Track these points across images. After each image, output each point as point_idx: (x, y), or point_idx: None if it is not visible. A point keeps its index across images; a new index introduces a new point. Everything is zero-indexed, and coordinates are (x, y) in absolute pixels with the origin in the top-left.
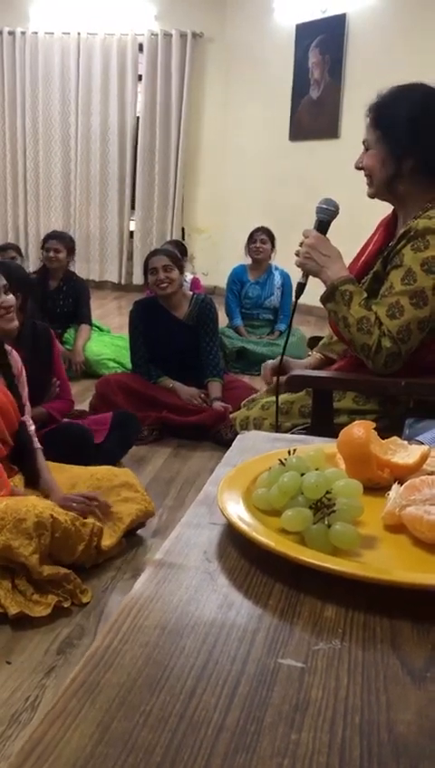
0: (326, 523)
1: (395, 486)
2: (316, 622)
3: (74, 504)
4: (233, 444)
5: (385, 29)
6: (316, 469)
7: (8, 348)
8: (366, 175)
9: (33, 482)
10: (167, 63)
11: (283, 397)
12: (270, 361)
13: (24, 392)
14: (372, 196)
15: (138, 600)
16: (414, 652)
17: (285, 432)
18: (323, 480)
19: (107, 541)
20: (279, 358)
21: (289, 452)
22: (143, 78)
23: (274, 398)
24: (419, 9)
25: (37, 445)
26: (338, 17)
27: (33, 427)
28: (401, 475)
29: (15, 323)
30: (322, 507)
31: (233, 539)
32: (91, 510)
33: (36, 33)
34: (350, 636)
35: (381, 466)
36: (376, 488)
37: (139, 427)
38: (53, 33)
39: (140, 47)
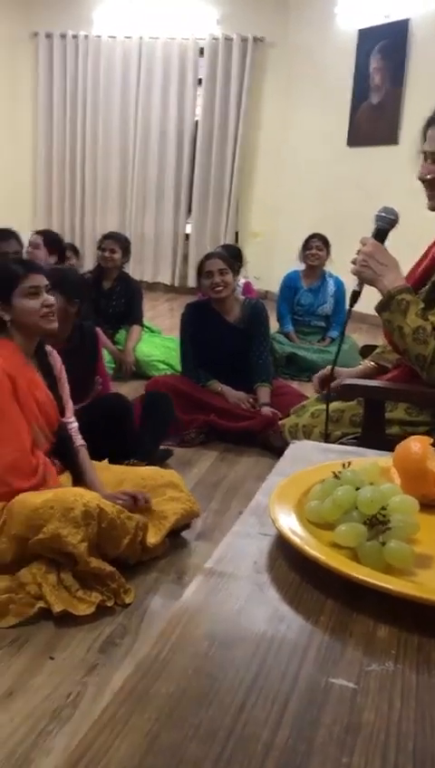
0: (381, 540)
1: None
2: (369, 642)
3: (119, 502)
4: (285, 452)
5: None
6: (371, 484)
7: (48, 348)
8: (429, 187)
9: (79, 479)
10: (227, 68)
11: (333, 405)
12: (321, 371)
13: (65, 392)
14: (433, 208)
15: (187, 609)
16: None
17: (335, 441)
18: (378, 495)
19: (152, 538)
20: (330, 367)
21: (344, 465)
22: (203, 82)
23: (323, 406)
24: None
25: (81, 442)
26: (401, 23)
27: (75, 425)
28: None
29: (56, 324)
30: (376, 523)
31: (284, 550)
32: (135, 508)
33: (99, 36)
34: (403, 658)
35: None
36: (433, 505)
37: (171, 406)
38: (115, 37)
39: (201, 51)
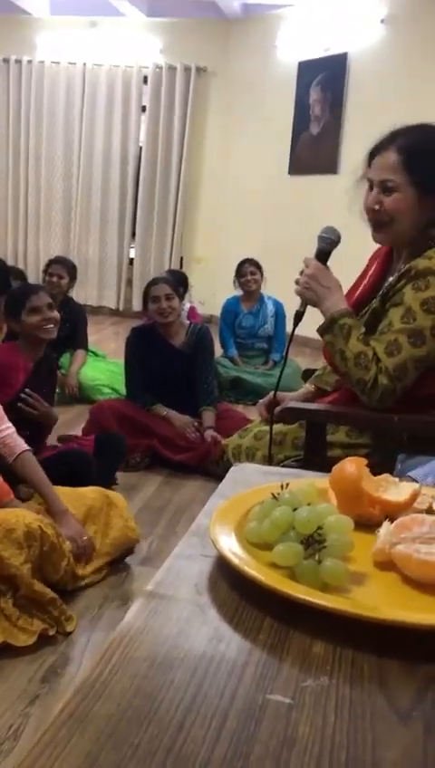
0: (317, 558)
1: (386, 524)
2: (305, 658)
3: (68, 539)
4: (227, 476)
5: (385, 69)
6: (308, 504)
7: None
8: (380, 219)
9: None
10: (170, 96)
11: (276, 427)
12: (265, 398)
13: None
14: (382, 242)
15: (128, 632)
16: (401, 690)
17: (278, 463)
18: (314, 515)
19: (87, 568)
20: (272, 393)
21: (282, 486)
22: (147, 109)
23: (267, 428)
24: (418, 50)
25: (22, 448)
26: (340, 56)
27: (9, 431)
28: (392, 512)
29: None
30: (313, 542)
31: (224, 572)
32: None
33: (43, 62)
34: (338, 673)
35: (372, 503)
36: (367, 524)
37: (124, 448)
38: (59, 63)
39: (145, 79)
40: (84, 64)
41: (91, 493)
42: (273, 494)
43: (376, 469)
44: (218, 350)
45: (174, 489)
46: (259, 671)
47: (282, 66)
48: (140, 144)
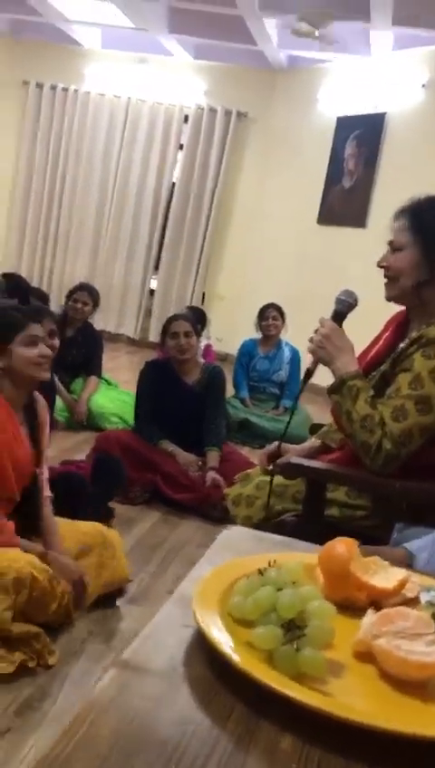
0: (295, 646)
1: (370, 612)
2: (271, 754)
3: (64, 576)
4: (217, 538)
5: (422, 132)
6: (294, 583)
7: (36, 395)
8: (389, 276)
9: (35, 528)
10: (209, 137)
11: (278, 478)
12: (268, 447)
13: (45, 440)
14: (389, 298)
15: (95, 706)
16: None
17: (276, 515)
18: (297, 600)
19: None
20: (277, 443)
21: (269, 563)
22: (184, 147)
23: (268, 478)
24: None
25: (47, 493)
26: (378, 115)
27: (46, 475)
28: (379, 598)
29: (48, 374)
30: (293, 628)
31: (202, 645)
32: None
33: (89, 92)
34: None
35: (359, 587)
36: (352, 608)
37: (123, 473)
38: (104, 95)
39: (186, 118)
40: (129, 98)
41: (87, 527)
42: (259, 570)
43: (372, 532)
44: (230, 390)
45: (171, 528)
46: (223, 763)
47: (321, 118)
48: (174, 180)
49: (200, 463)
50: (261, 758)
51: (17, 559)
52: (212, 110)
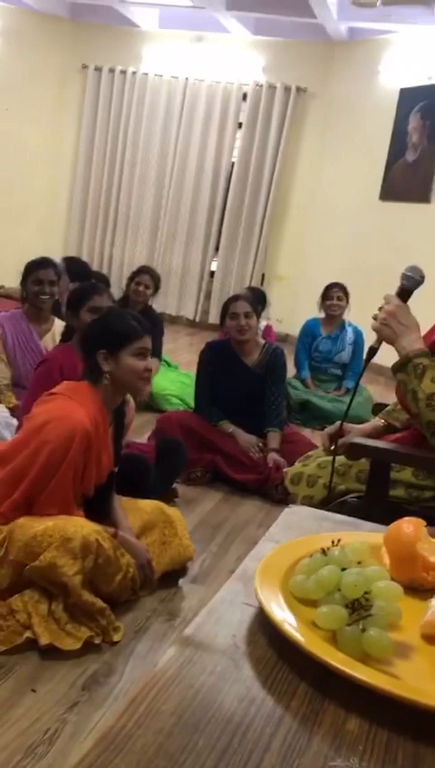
0: (361, 626)
1: None
2: (337, 734)
3: (134, 558)
4: (280, 517)
5: None
6: (359, 563)
7: (127, 396)
8: None
9: (102, 512)
10: (268, 114)
11: (340, 458)
12: (330, 427)
13: (125, 439)
14: None
15: (158, 681)
16: None
17: (339, 495)
18: (362, 580)
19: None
20: (339, 423)
21: (333, 542)
22: (243, 126)
23: (330, 457)
24: None
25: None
26: None
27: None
28: None
29: (149, 388)
30: (358, 608)
31: (264, 624)
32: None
33: (147, 74)
34: (370, 755)
35: (426, 568)
36: (420, 590)
37: (185, 454)
38: (162, 76)
39: (244, 96)
40: (186, 78)
41: (149, 506)
42: (322, 549)
43: None
44: (291, 371)
45: (232, 507)
46: (287, 742)
47: (383, 91)
48: (233, 159)
49: (261, 444)
50: (326, 738)
51: (84, 525)
52: (271, 87)
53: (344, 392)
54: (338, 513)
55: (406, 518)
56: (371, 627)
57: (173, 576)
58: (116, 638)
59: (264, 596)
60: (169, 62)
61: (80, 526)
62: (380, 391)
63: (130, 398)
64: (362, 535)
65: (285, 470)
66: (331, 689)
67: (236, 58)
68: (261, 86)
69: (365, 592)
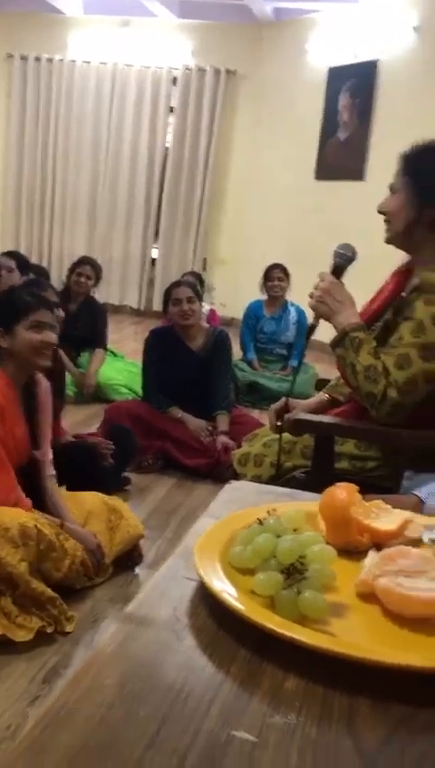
0: (296, 589)
1: (371, 553)
2: (275, 694)
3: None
4: (220, 493)
5: (416, 77)
6: (295, 530)
7: (38, 377)
8: (385, 220)
9: (44, 507)
10: (199, 97)
11: (286, 435)
12: (275, 404)
13: (45, 422)
14: (388, 241)
15: (101, 657)
16: (369, 733)
17: (286, 472)
18: (296, 545)
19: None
20: (284, 399)
21: (268, 511)
22: (175, 110)
23: (276, 435)
24: None
25: (51, 472)
26: (370, 63)
27: (49, 457)
28: (381, 540)
29: (48, 362)
30: (294, 573)
31: (205, 596)
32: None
33: (74, 61)
34: (306, 711)
35: (361, 531)
36: (355, 552)
37: (135, 441)
38: (90, 63)
39: (174, 80)
40: (115, 64)
41: (89, 498)
42: (259, 519)
43: (384, 482)
44: (238, 353)
45: (185, 493)
46: (227, 705)
47: (312, 71)
48: (167, 144)
49: (210, 428)
50: (265, 698)
51: (20, 514)
52: (201, 70)
53: (291, 371)
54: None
55: (339, 484)
56: (306, 589)
57: (129, 564)
58: (68, 628)
59: (203, 569)
60: (96, 49)
61: (16, 514)
62: (325, 369)
63: (43, 380)
64: (299, 504)
65: (233, 452)
66: (270, 653)
67: (164, 42)
68: (191, 69)
69: (300, 557)
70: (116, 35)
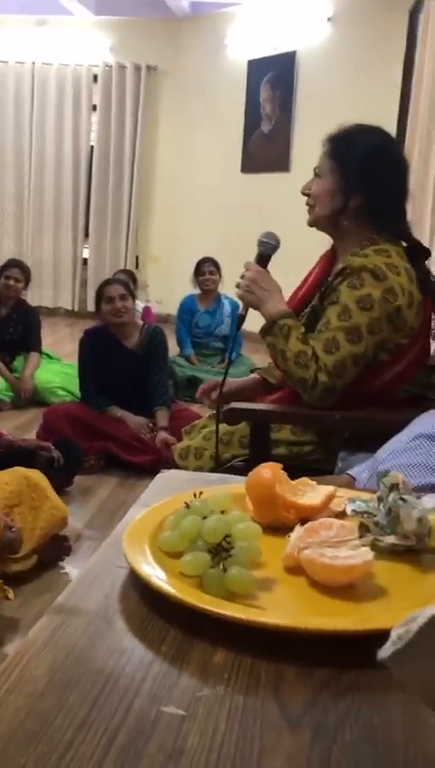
0: (223, 567)
1: (297, 528)
2: (205, 668)
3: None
4: (150, 484)
5: (332, 66)
6: (222, 512)
7: None
8: (309, 203)
9: None
10: (121, 95)
11: (223, 427)
12: (205, 384)
13: None
14: (311, 224)
15: (30, 649)
16: (294, 697)
17: (225, 463)
18: (221, 524)
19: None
20: (215, 380)
21: (195, 494)
22: (98, 108)
23: (214, 427)
24: (364, 47)
25: None
26: (288, 54)
27: None
28: (307, 515)
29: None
30: (220, 551)
31: (135, 583)
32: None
33: None
34: (235, 681)
35: (287, 507)
36: (282, 529)
37: (81, 456)
38: (6, 62)
39: (95, 78)
40: (33, 63)
41: (7, 475)
42: (186, 503)
43: (322, 465)
44: (175, 349)
45: (128, 491)
46: (157, 683)
47: (232, 64)
48: (92, 143)
49: (151, 424)
50: (194, 673)
51: None
52: (121, 67)
53: (228, 364)
54: None
55: (265, 464)
56: (232, 566)
57: (56, 558)
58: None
59: (132, 555)
60: (12, 48)
61: None
62: (262, 360)
63: None
64: (227, 487)
65: (173, 447)
66: (199, 631)
67: (83, 40)
68: (111, 66)
69: (226, 536)
70: (33, 34)
